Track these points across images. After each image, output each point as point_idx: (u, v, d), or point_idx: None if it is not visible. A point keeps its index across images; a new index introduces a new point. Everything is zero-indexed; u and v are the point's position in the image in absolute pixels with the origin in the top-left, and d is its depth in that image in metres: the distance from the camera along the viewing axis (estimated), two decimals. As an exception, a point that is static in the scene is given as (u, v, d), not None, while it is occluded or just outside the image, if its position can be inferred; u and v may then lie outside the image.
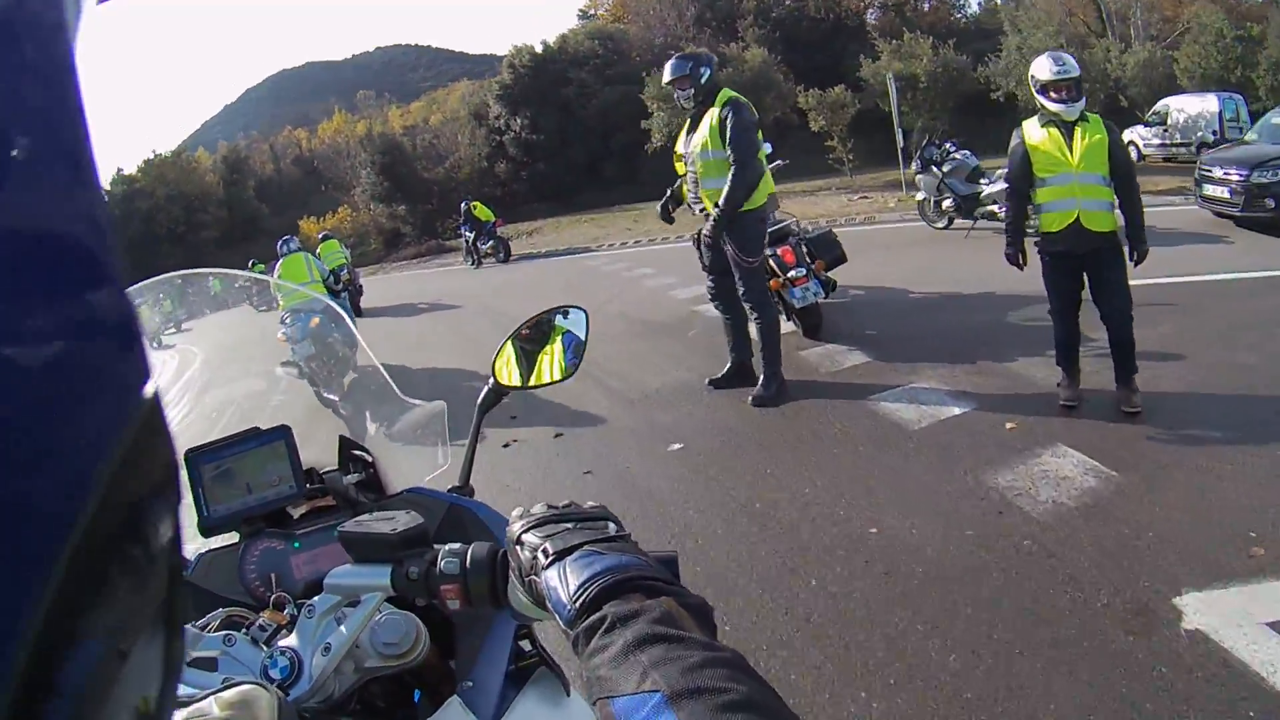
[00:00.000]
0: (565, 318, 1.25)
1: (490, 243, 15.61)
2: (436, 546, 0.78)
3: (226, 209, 34.94)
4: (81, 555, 0.21)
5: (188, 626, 0.86)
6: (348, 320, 1.88)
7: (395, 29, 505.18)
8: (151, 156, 41.95)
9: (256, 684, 0.67)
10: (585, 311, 1.24)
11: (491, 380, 1.24)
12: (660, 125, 18.41)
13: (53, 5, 0.24)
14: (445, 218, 24.69)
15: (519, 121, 26.68)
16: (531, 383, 1.24)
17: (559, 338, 1.24)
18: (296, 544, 1.10)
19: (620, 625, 0.53)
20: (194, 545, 1.16)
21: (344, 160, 31.71)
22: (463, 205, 16.51)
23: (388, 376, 1.38)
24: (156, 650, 0.26)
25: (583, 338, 1.24)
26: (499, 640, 0.94)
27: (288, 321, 2.32)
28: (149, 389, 0.25)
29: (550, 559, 0.63)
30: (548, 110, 26.20)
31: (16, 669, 0.20)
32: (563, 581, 0.60)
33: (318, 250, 10.53)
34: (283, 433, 1.12)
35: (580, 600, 0.57)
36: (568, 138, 26.11)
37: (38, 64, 0.23)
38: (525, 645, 1.01)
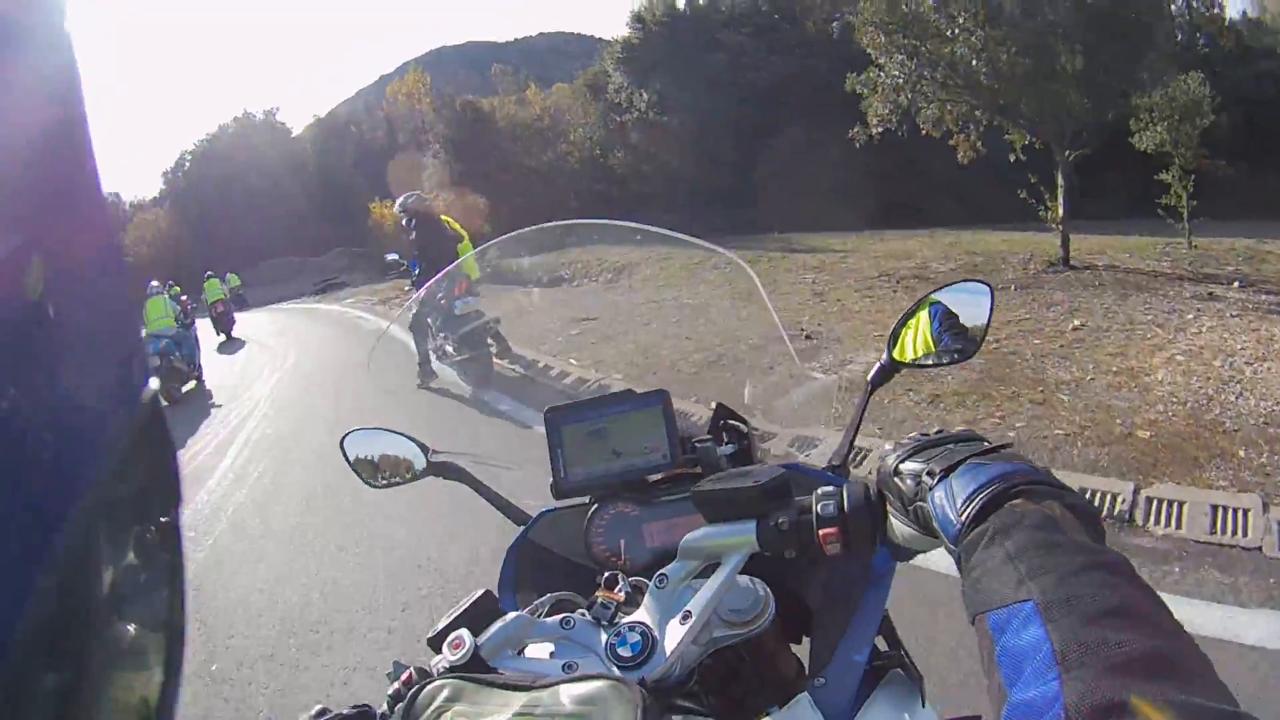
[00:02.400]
0: (950, 292, 1.11)
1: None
2: (799, 498, 0.74)
3: (320, 179, 31.29)
4: (82, 551, 0.22)
5: (519, 613, 0.82)
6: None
7: (560, 15, 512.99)
8: (240, 115, 38.86)
9: (618, 680, 0.57)
10: (989, 285, 1.12)
11: (886, 356, 1.14)
12: (891, 97, 9.58)
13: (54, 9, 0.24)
14: (540, 219, 18.56)
15: (645, 97, 20.05)
16: (911, 359, 1.12)
17: (927, 312, 1.11)
18: (652, 511, 1.08)
19: (1001, 535, 0.51)
20: (539, 502, 1.16)
21: (420, 131, 25.90)
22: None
23: (789, 343, 1.32)
24: (157, 649, 0.26)
25: (974, 316, 1.11)
26: (860, 636, 0.89)
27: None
28: (151, 387, 0.25)
29: (937, 478, 0.62)
30: (686, 83, 19.26)
31: (16, 660, 0.20)
32: (949, 498, 0.59)
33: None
34: (659, 397, 1.09)
35: (968, 512, 0.56)
36: (710, 123, 18.92)
37: (40, 69, 0.23)
38: (881, 645, 0.95)
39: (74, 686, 0.22)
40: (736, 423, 1.18)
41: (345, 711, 0.79)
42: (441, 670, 0.76)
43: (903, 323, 1.14)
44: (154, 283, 9.98)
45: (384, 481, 1.29)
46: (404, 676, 0.80)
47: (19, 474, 0.20)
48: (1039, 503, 0.53)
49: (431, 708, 0.59)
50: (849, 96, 9.73)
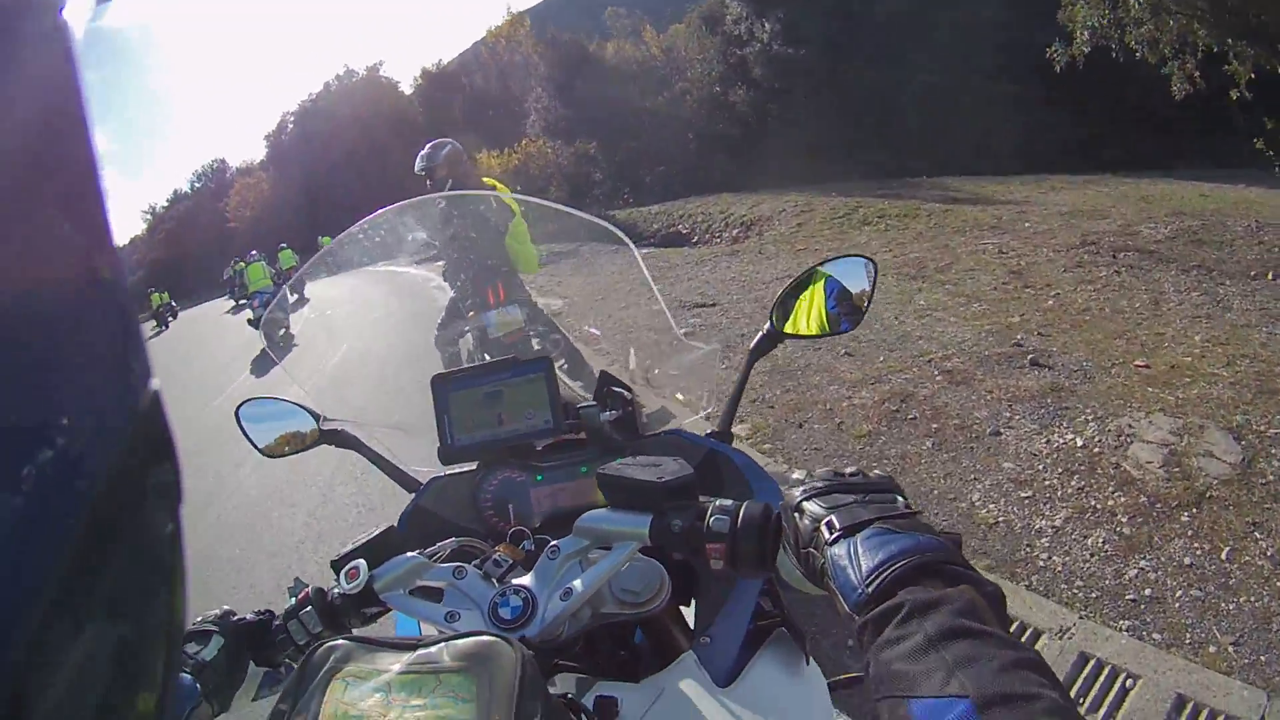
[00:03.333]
0: (837, 265, 1.16)
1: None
2: (703, 499, 0.74)
3: (430, 134, 29.62)
4: (83, 547, 0.22)
5: (416, 554, 0.84)
6: None
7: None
8: (342, 72, 39.17)
9: (500, 638, 0.61)
10: (871, 261, 1.15)
11: (768, 325, 1.18)
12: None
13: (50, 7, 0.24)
14: (656, 164, 17.27)
15: (766, 27, 18.29)
16: (797, 331, 1.17)
17: (820, 285, 1.15)
18: (539, 477, 1.10)
19: (919, 615, 0.50)
20: (427, 469, 1.20)
21: (516, 75, 24.78)
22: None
23: (668, 313, 1.35)
24: (157, 648, 0.26)
25: (859, 289, 1.15)
26: (744, 596, 0.90)
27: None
28: (151, 386, 0.26)
29: (837, 534, 0.60)
30: (813, 8, 17.28)
31: (16, 660, 0.20)
32: (853, 562, 0.57)
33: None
34: (543, 365, 1.11)
35: (875, 585, 0.54)
36: (844, 54, 16.83)
37: (40, 61, 0.23)
38: (765, 604, 0.96)
39: (74, 687, 0.21)
40: (620, 389, 1.20)
41: (249, 616, 0.88)
42: (335, 596, 0.85)
43: (791, 294, 1.16)
44: (254, 252, 12.25)
45: (280, 451, 1.28)
46: (301, 594, 0.87)
47: (18, 474, 0.20)
48: (955, 583, 0.52)
49: (325, 669, 0.60)
50: (1004, 18, 8.22)
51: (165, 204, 62.91)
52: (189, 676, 0.78)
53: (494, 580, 0.81)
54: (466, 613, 0.77)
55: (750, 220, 10.96)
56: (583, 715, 0.72)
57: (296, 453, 1.29)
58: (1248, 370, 3.61)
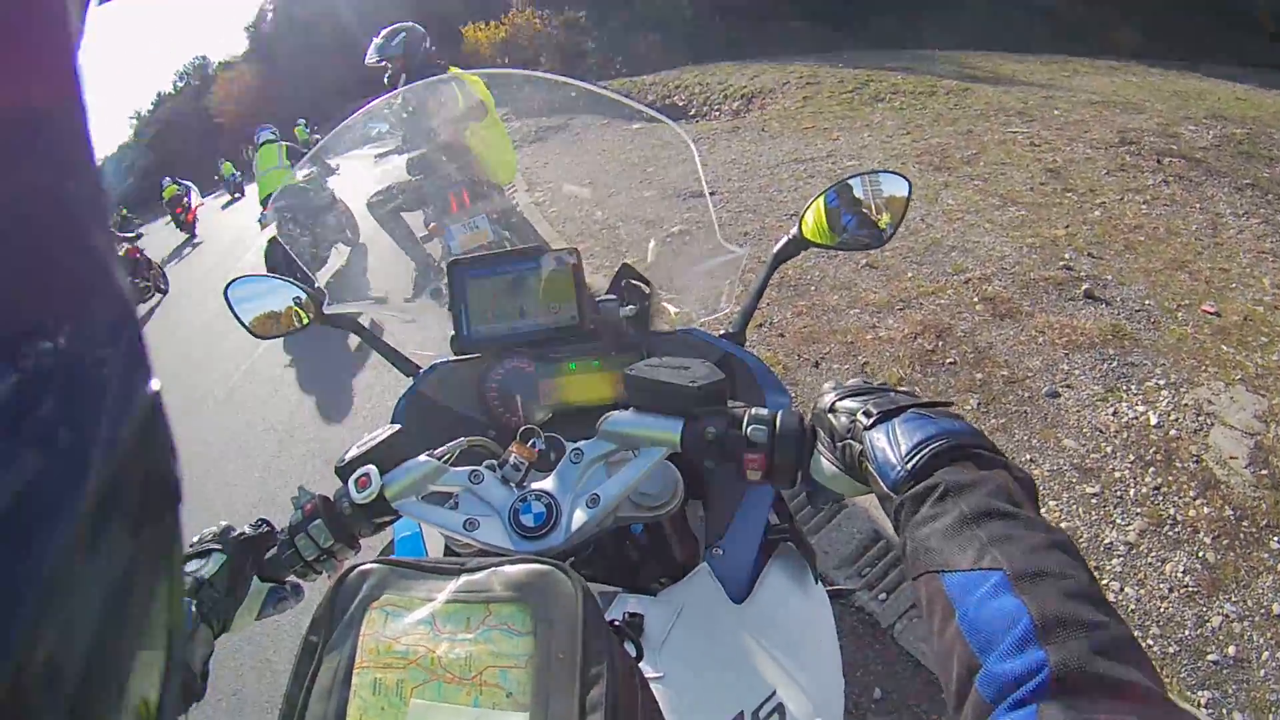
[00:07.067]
0: (871, 178, 1.11)
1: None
2: (733, 405, 0.71)
3: (413, 11, 25.93)
4: (82, 551, 0.22)
5: (427, 457, 0.80)
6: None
7: None
8: None
9: (555, 566, 0.56)
10: (907, 180, 1.10)
11: (795, 230, 1.14)
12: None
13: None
14: (650, 32, 15.44)
15: None
16: (822, 241, 1.12)
17: (851, 196, 1.11)
18: (547, 367, 1.07)
19: (954, 495, 0.51)
20: (430, 354, 1.17)
21: None
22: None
23: (714, 214, 1.32)
24: (157, 650, 0.26)
25: (891, 206, 1.10)
26: (756, 506, 0.90)
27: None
28: (151, 387, 0.25)
29: (874, 418, 0.61)
30: None
31: (16, 657, 0.20)
32: (892, 442, 0.57)
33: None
34: (571, 255, 1.06)
35: (913, 463, 0.55)
36: None
37: (38, 59, 0.22)
38: (772, 517, 0.95)
39: (73, 688, 0.21)
40: (639, 283, 1.17)
41: (247, 530, 0.84)
42: (345, 506, 0.79)
43: (819, 201, 1.12)
44: (266, 129, 8.46)
45: (269, 331, 1.21)
46: (307, 505, 0.82)
47: (15, 475, 0.20)
48: (988, 468, 0.53)
49: (360, 597, 0.56)
50: None
51: (150, 108, 57.54)
52: (184, 599, 0.72)
53: (512, 485, 0.77)
54: (485, 520, 0.74)
55: (751, 92, 9.73)
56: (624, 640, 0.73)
57: (289, 334, 1.22)
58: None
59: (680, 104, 10.31)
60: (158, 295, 9.50)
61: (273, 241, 5.61)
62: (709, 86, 10.38)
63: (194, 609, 0.75)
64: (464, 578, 0.55)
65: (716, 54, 12.79)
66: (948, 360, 3.11)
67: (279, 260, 5.42)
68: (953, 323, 3.35)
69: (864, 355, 3.24)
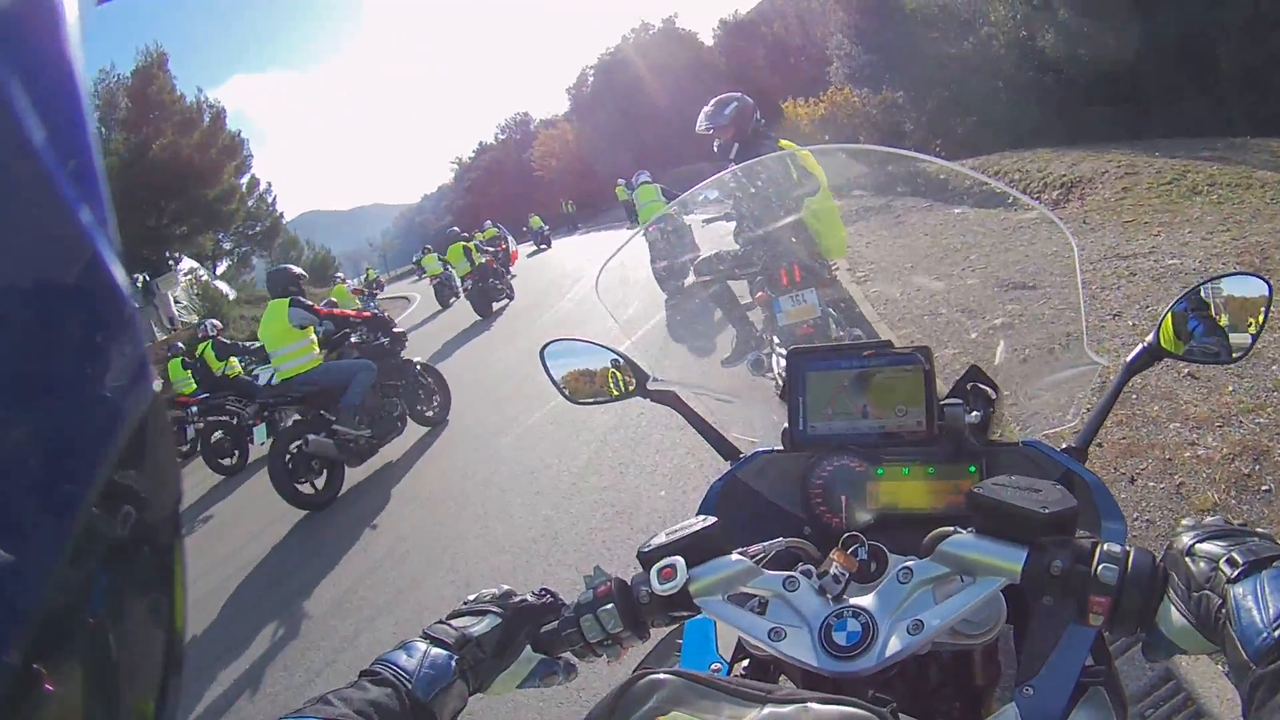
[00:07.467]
0: (1227, 282, 1.01)
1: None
2: (1079, 536, 0.65)
3: (732, 83, 29.91)
4: (82, 551, 0.22)
5: (739, 555, 0.77)
6: None
7: None
8: (637, 26, 40.72)
9: (873, 713, 0.50)
10: (1266, 282, 0.99)
11: (1152, 338, 1.04)
12: None
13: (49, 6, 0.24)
14: (967, 115, 17.87)
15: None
16: (1177, 351, 1.02)
17: (1205, 301, 1.00)
18: (880, 470, 1.01)
19: None
20: (749, 439, 1.17)
21: (815, 22, 24.51)
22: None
23: (1084, 316, 1.23)
24: (155, 649, 0.26)
25: (1247, 311, 0.98)
26: (1076, 646, 0.79)
27: None
28: (152, 388, 0.26)
29: (1240, 569, 0.54)
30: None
31: (16, 661, 0.20)
32: (1259, 602, 0.51)
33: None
34: (923, 355, 1.01)
35: None
36: None
37: (39, 64, 0.23)
38: (1088, 660, 0.83)
39: (73, 687, 0.22)
40: (986, 387, 1.10)
41: (529, 598, 0.86)
42: (643, 595, 0.78)
43: (1175, 308, 1.03)
44: (643, 173, 11.40)
45: (585, 395, 1.24)
46: (601, 587, 0.80)
47: (17, 475, 0.21)
48: None
49: (645, 708, 0.53)
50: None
51: (471, 155, 68.15)
52: (445, 652, 0.75)
53: (829, 597, 0.74)
54: (794, 630, 0.71)
55: (1070, 181, 9.49)
56: None
57: (602, 401, 1.24)
58: None
59: (998, 191, 9.92)
60: (506, 300, 13.01)
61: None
62: (1028, 174, 10.30)
63: (454, 664, 0.74)
64: (769, 709, 0.51)
65: (1031, 139, 12.76)
66: (1263, 486, 2.94)
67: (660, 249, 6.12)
68: (1271, 445, 3.15)
69: (1180, 475, 3.14)
